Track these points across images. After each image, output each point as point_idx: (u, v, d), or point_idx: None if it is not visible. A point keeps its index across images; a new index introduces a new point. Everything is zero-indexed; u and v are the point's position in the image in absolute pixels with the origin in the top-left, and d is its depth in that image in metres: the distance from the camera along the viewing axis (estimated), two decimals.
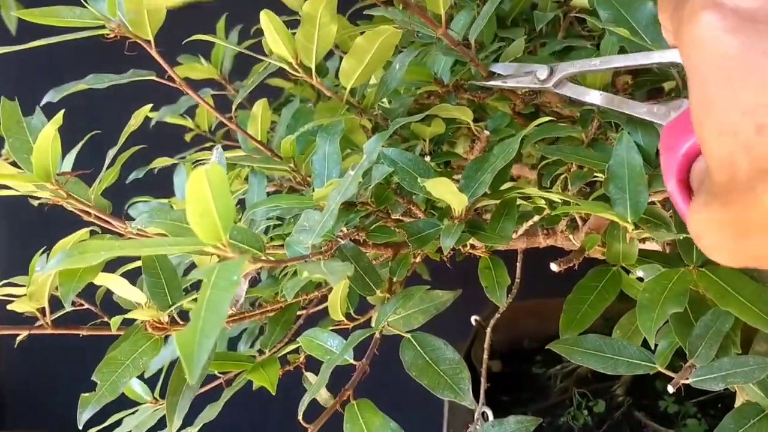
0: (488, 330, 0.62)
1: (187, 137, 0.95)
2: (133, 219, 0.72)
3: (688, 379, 0.43)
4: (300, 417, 0.42)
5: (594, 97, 0.47)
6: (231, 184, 0.73)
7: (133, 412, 0.65)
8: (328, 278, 0.34)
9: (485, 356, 0.60)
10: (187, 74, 0.84)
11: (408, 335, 0.43)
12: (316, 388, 0.41)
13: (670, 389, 0.43)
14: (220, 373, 0.67)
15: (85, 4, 0.51)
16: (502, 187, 0.48)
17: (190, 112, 0.90)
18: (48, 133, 0.43)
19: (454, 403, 0.79)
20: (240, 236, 0.38)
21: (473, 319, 0.94)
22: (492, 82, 0.51)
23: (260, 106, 0.66)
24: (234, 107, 0.58)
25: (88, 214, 0.53)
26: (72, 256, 0.34)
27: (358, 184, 0.42)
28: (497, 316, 0.62)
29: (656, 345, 0.48)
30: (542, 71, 0.48)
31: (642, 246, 0.54)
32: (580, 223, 0.55)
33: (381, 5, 0.67)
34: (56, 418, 0.89)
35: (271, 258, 0.40)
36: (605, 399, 0.76)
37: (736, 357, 0.43)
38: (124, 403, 0.60)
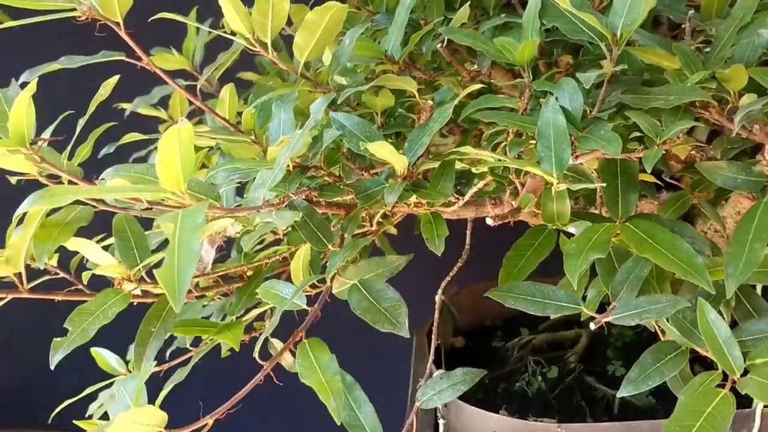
0: (438, 293, 0.66)
1: (161, 129, 0.99)
2: None
3: (609, 317, 0.47)
4: (256, 355, 0.46)
5: None
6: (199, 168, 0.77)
7: (109, 384, 0.68)
8: (276, 221, 0.38)
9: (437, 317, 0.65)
10: (159, 65, 0.87)
11: (356, 282, 0.47)
12: (270, 328, 0.45)
13: (592, 326, 0.48)
14: (191, 346, 0.71)
15: None
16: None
17: (164, 103, 0.94)
18: (23, 100, 0.46)
19: (418, 368, 0.83)
20: (198, 188, 0.42)
21: (438, 297, 0.99)
22: None
23: (227, 91, 0.70)
24: (199, 85, 0.62)
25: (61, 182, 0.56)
26: (43, 198, 0.37)
27: (308, 145, 0.47)
28: (447, 279, 0.66)
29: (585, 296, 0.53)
30: None
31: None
32: (520, 189, 0.59)
33: None
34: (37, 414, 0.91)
35: (227, 208, 0.44)
36: (558, 366, 0.81)
37: (650, 296, 0.47)
38: None
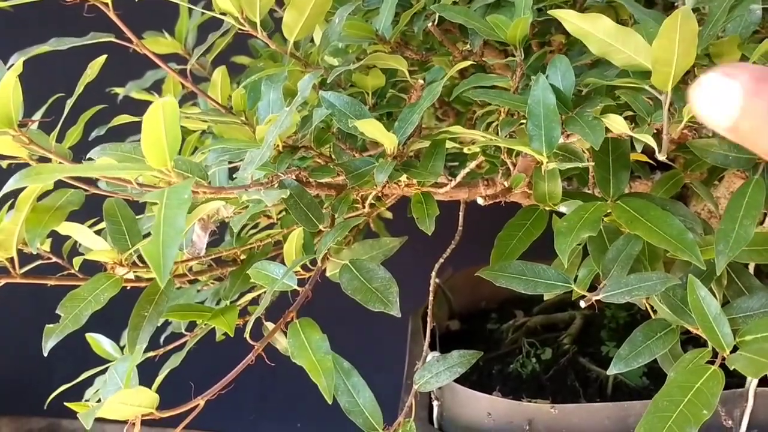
0: (433, 274, 0.66)
1: None
2: None
3: (599, 295, 0.47)
4: (247, 335, 0.46)
5: None
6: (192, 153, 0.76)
7: (104, 370, 0.69)
8: (264, 198, 0.38)
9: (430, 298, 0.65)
10: (151, 48, 0.86)
11: (347, 262, 0.47)
12: (261, 309, 0.45)
13: (582, 305, 0.48)
14: (186, 331, 0.71)
15: None
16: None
17: (157, 87, 0.93)
18: (8, 81, 0.46)
19: (414, 351, 0.83)
20: (184, 166, 0.42)
21: (432, 281, 0.99)
22: None
23: (219, 73, 0.70)
24: (189, 67, 0.62)
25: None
26: (29, 176, 0.37)
27: (298, 125, 0.46)
28: (440, 261, 0.66)
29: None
30: None
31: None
32: (512, 169, 0.59)
33: None
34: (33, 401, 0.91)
35: (213, 187, 0.44)
36: (552, 347, 0.81)
37: (641, 273, 0.47)
38: None
